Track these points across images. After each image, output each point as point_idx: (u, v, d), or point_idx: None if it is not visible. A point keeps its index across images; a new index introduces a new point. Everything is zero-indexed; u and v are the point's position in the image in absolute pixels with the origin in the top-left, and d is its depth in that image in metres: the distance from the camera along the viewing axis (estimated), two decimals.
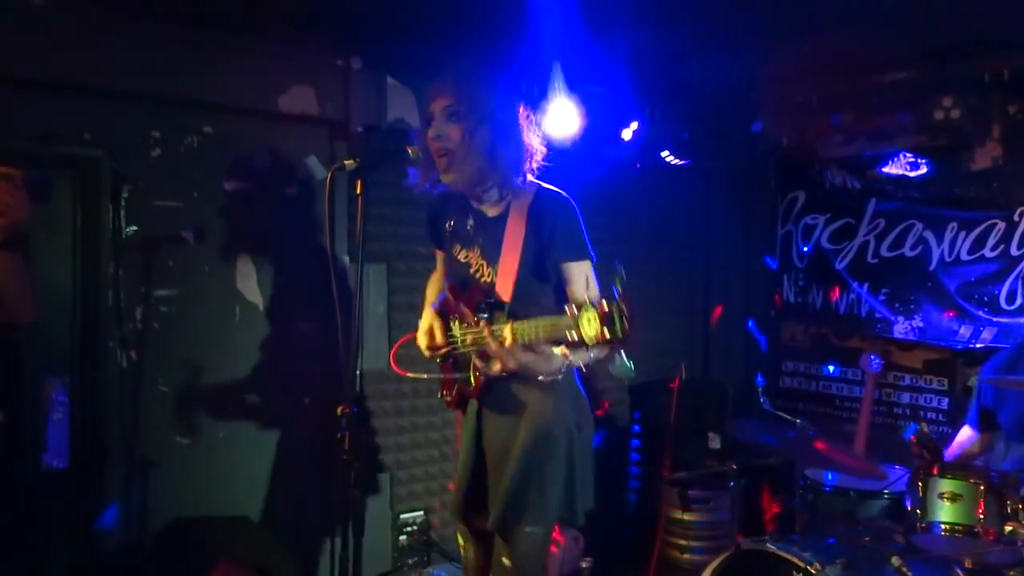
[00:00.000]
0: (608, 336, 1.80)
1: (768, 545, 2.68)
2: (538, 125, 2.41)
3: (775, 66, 3.82)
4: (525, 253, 2.29)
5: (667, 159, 4.44)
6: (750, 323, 5.03)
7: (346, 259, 3.53)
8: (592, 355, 2.20)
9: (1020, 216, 3.82)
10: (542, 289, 2.34)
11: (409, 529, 3.87)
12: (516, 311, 2.24)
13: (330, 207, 2.17)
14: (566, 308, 1.89)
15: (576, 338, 1.86)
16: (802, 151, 4.56)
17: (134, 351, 3.21)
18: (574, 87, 3.60)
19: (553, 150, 2.44)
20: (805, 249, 4.70)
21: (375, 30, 3.27)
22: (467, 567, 2.61)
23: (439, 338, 2.41)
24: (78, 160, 3.08)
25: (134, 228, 3.20)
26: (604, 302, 1.82)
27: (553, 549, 2.39)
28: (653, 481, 4.38)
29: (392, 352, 2.90)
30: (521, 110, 2.35)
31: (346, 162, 2.09)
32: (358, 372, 2.09)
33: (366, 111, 3.65)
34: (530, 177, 2.36)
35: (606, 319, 1.80)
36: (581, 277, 2.27)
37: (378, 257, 3.77)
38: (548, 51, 3.24)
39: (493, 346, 2.15)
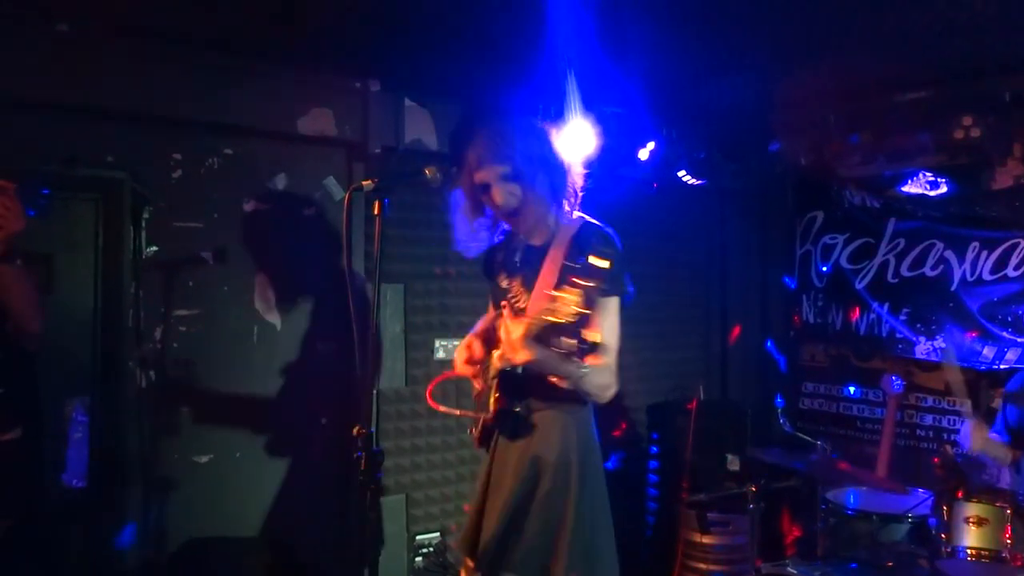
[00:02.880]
0: (580, 303, 1.87)
1: (789, 569, 2.64)
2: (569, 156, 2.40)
3: (793, 86, 3.82)
4: (559, 283, 2.19)
5: (684, 179, 4.44)
6: (769, 343, 4.99)
7: (363, 279, 3.55)
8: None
9: None
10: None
11: (425, 551, 3.84)
12: (540, 336, 2.14)
13: (348, 228, 2.18)
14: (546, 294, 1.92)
15: (563, 321, 1.90)
16: (820, 171, 4.54)
17: (153, 371, 3.23)
18: (591, 107, 3.61)
19: (589, 166, 2.44)
20: (824, 269, 4.67)
21: (393, 53, 3.30)
22: None
23: (477, 351, 2.40)
24: (101, 182, 3.13)
25: (155, 249, 3.23)
26: (578, 277, 1.90)
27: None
28: (671, 504, 4.34)
29: (428, 389, 2.92)
30: (552, 134, 2.35)
31: (364, 183, 2.10)
32: (375, 392, 2.08)
33: (384, 132, 3.68)
34: (571, 208, 2.37)
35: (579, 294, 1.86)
36: (603, 313, 2.21)
37: (395, 278, 3.78)
38: (565, 72, 3.25)
39: (503, 334, 2.09)
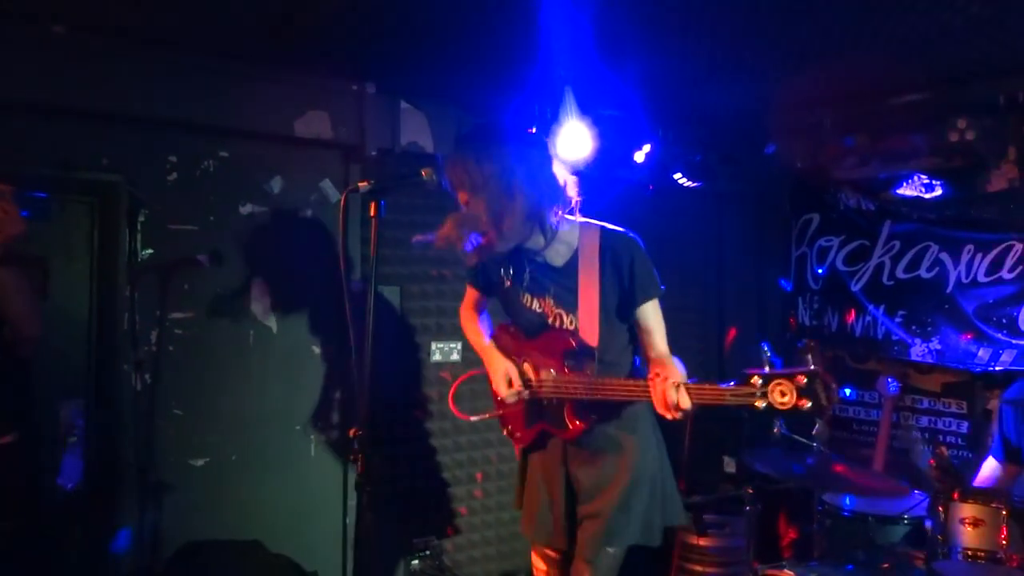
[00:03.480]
0: (811, 407, 1.91)
1: (786, 571, 2.64)
2: (563, 166, 2.45)
3: (788, 89, 3.83)
4: (604, 297, 2.35)
5: (680, 181, 4.44)
6: (765, 346, 4.99)
7: (360, 282, 3.54)
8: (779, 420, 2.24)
9: None
10: (620, 329, 2.43)
11: (421, 554, 3.83)
12: (602, 355, 2.34)
13: (343, 230, 2.18)
14: (747, 378, 1.99)
15: (764, 406, 1.96)
16: (816, 173, 4.55)
17: (149, 374, 3.22)
18: (587, 110, 3.61)
19: (579, 176, 2.48)
20: (820, 271, 4.68)
21: (389, 56, 3.30)
22: None
23: (517, 383, 2.48)
24: (96, 185, 3.13)
25: (150, 252, 3.22)
26: (801, 375, 1.92)
27: None
28: None
29: (451, 394, 2.97)
30: (538, 148, 2.38)
31: (360, 185, 2.11)
32: (370, 396, 2.08)
33: (380, 135, 3.68)
34: (575, 215, 2.43)
35: (806, 392, 1.91)
36: (655, 314, 2.39)
37: (392, 280, 3.78)
38: (561, 74, 3.26)
39: (669, 414, 2.14)
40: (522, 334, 2.53)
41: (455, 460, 3.96)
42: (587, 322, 2.34)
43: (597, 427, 2.40)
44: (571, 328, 2.39)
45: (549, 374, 2.42)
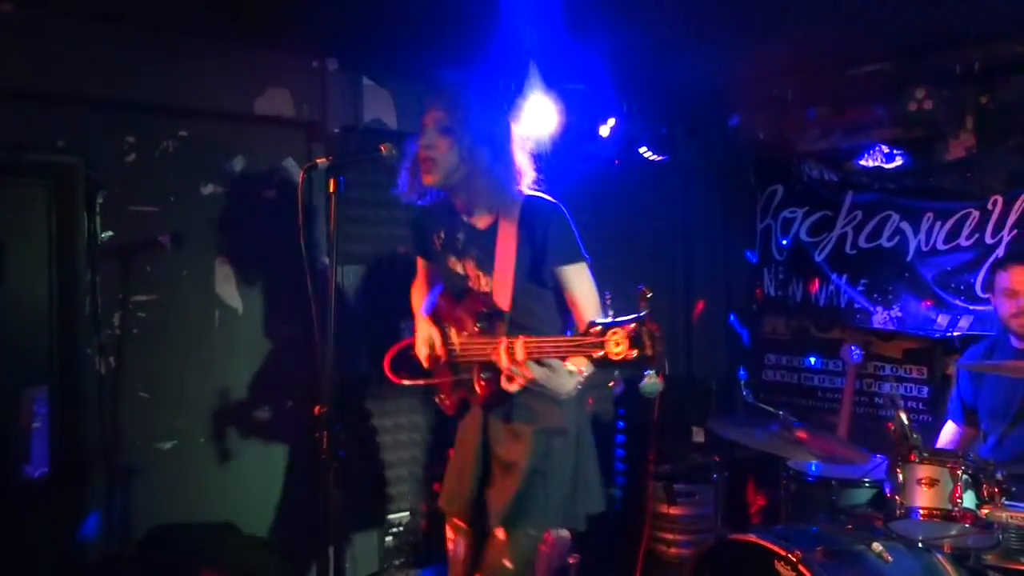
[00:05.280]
0: (636, 356, 1.84)
1: (749, 535, 2.69)
2: (525, 140, 2.48)
3: (751, 61, 3.84)
4: (520, 261, 2.35)
5: (645, 155, 4.45)
6: (732, 317, 5.06)
7: (324, 261, 3.52)
8: (616, 373, 2.22)
9: (994, 205, 3.86)
10: (541, 295, 2.41)
11: (395, 530, 3.86)
12: (516, 319, 2.31)
13: (304, 207, 2.18)
14: (588, 328, 1.91)
15: (601, 356, 1.87)
16: (780, 145, 4.58)
17: (113, 358, 3.19)
18: (551, 84, 3.60)
19: (541, 163, 2.50)
20: (784, 242, 4.73)
21: (351, 31, 3.26)
22: (455, 560, 2.66)
23: (439, 349, 2.47)
24: (52, 167, 3.06)
25: (110, 234, 3.18)
26: (633, 324, 1.86)
27: (542, 548, 2.50)
28: (638, 476, 4.40)
29: (386, 360, 2.97)
30: (512, 128, 2.43)
31: (318, 161, 2.10)
32: (337, 373, 2.09)
33: (343, 112, 3.63)
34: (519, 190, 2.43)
35: (634, 340, 1.84)
36: (578, 280, 2.37)
37: (358, 259, 3.76)
38: (525, 49, 3.24)
39: (505, 361, 2.13)
40: (452, 298, 2.55)
41: (426, 436, 3.98)
42: (501, 285, 2.35)
43: (511, 397, 2.35)
44: (487, 291, 2.40)
45: (463, 336, 2.43)
